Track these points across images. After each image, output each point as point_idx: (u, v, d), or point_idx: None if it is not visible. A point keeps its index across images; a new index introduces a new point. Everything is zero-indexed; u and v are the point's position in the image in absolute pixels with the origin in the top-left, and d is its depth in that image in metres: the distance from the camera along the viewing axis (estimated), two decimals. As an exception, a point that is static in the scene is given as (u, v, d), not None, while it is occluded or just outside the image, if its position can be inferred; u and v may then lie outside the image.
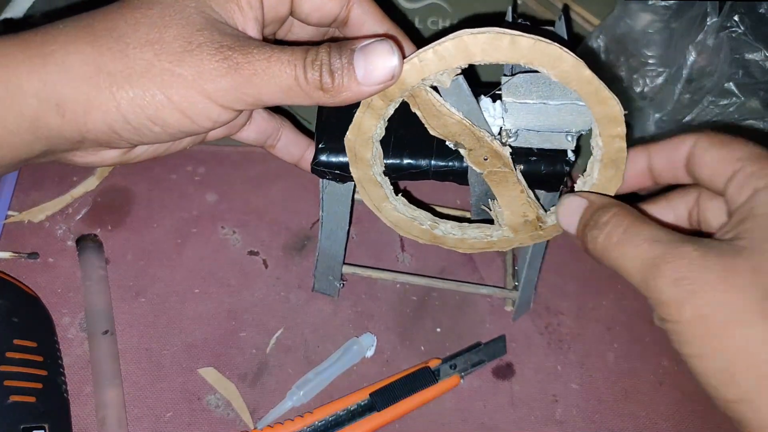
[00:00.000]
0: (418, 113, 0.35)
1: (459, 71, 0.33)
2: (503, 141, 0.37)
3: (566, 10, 0.63)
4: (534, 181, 0.39)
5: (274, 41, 0.41)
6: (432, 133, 0.36)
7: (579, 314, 0.51)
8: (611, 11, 0.57)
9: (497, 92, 0.36)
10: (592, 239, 0.33)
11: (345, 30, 0.39)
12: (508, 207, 0.40)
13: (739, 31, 0.53)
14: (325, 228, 0.45)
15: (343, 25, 0.39)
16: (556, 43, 0.32)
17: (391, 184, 0.40)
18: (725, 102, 0.53)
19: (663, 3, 0.55)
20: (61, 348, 0.46)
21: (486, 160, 0.37)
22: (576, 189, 0.39)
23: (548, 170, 0.38)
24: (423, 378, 0.46)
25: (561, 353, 0.50)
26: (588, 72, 0.32)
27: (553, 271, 0.53)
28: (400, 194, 0.40)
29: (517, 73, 0.36)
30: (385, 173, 0.39)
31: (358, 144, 0.36)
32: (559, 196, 0.40)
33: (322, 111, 0.40)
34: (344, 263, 0.49)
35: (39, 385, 0.42)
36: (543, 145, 0.37)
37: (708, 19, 0.53)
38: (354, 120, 0.35)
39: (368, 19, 0.38)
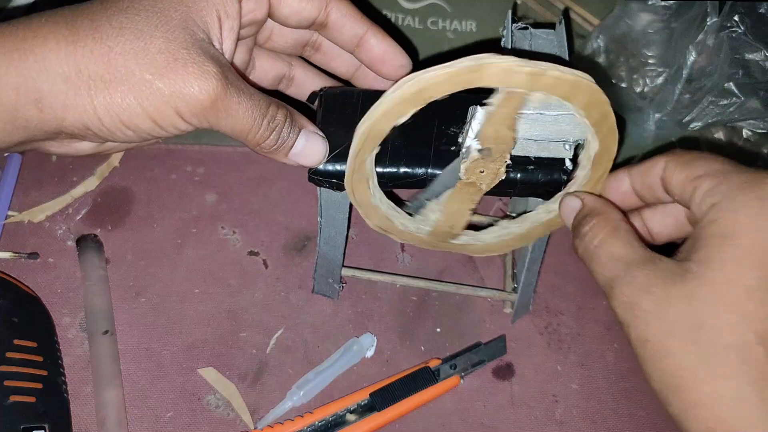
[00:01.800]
0: (492, 108, 0.34)
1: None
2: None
3: (566, 13, 0.63)
4: (531, 189, 0.39)
5: (253, 47, 0.42)
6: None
7: (579, 314, 0.51)
8: (611, 11, 0.57)
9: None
10: (575, 248, 0.36)
11: (325, 32, 0.40)
12: (447, 214, 0.40)
13: (739, 31, 0.53)
14: (323, 233, 0.45)
15: (323, 28, 0.40)
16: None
17: (387, 194, 0.41)
18: (725, 102, 0.53)
19: (663, 3, 0.55)
20: (61, 348, 0.46)
21: (482, 173, 0.37)
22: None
23: (545, 179, 0.38)
24: (423, 378, 0.46)
25: (561, 353, 0.50)
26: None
27: (552, 271, 0.53)
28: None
29: None
30: (382, 182, 0.39)
31: (383, 120, 0.35)
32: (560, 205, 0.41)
33: (318, 122, 0.40)
34: (344, 266, 0.49)
35: (39, 385, 0.42)
36: (540, 154, 0.38)
37: (708, 19, 0.53)
38: (435, 74, 0.33)
39: (347, 22, 0.39)
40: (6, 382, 0.40)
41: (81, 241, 0.51)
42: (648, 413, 0.48)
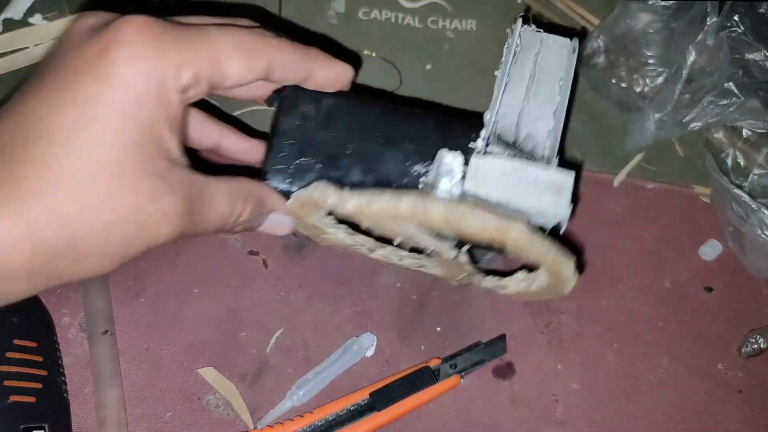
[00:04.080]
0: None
1: None
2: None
3: (584, 30, 0.62)
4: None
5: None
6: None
7: (579, 314, 0.51)
8: (611, 11, 0.57)
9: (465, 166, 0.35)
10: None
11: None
12: (443, 269, 0.41)
13: (739, 31, 0.53)
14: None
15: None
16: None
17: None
18: (725, 102, 0.53)
19: (663, 3, 0.55)
20: (61, 348, 0.46)
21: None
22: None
23: None
24: (423, 378, 0.46)
25: (561, 352, 0.50)
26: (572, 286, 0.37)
27: (553, 270, 0.53)
28: (342, 224, 0.40)
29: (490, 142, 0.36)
30: (340, 222, 0.40)
31: (302, 215, 0.38)
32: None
33: (273, 132, 0.40)
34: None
35: (39, 385, 0.42)
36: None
37: (708, 19, 0.53)
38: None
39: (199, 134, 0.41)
40: (6, 382, 0.40)
41: (81, 241, 0.50)
42: (649, 413, 0.48)
